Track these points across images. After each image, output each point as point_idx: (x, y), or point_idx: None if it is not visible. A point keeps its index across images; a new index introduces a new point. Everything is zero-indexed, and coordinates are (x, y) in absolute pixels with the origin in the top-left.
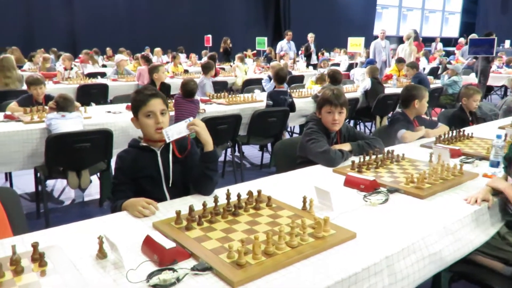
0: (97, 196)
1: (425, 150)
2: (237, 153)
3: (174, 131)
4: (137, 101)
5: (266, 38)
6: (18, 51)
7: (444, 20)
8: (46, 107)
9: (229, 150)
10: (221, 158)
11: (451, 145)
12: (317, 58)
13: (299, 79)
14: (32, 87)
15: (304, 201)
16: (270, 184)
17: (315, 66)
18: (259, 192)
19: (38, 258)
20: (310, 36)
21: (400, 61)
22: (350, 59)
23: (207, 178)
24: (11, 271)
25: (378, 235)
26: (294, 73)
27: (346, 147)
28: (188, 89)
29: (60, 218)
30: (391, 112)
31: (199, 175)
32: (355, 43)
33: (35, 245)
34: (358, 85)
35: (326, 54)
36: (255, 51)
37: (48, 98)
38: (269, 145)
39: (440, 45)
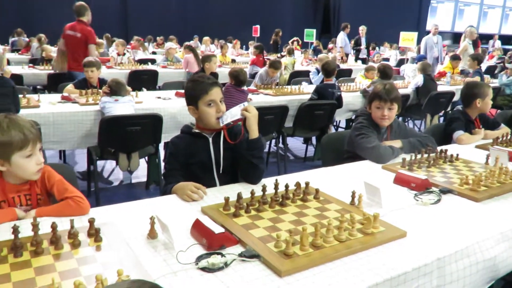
0: (144, 179)
1: (481, 152)
2: (281, 145)
3: (228, 115)
4: (198, 90)
5: (314, 30)
6: None
7: (504, 17)
8: (100, 91)
9: (273, 141)
10: (266, 149)
11: (510, 148)
12: (368, 52)
13: (347, 73)
14: (85, 69)
15: (353, 196)
16: (316, 177)
17: (364, 60)
18: (307, 184)
19: (94, 233)
20: (362, 29)
21: (455, 58)
22: (400, 54)
23: (253, 166)
24: (69, 244)
25: (430, 236)
26: (343, 66)
27: (397, 144)
28: (241, 79)
29: (108, 197)
30: (443, 111)
31: (245, 163)
32: (408, 38)
33: (91, 221)
34: (409, 81)
35: (376, 49)
36: (300, 43)
37: (102, 81)
38: (313, 138)
39: (498, 43)
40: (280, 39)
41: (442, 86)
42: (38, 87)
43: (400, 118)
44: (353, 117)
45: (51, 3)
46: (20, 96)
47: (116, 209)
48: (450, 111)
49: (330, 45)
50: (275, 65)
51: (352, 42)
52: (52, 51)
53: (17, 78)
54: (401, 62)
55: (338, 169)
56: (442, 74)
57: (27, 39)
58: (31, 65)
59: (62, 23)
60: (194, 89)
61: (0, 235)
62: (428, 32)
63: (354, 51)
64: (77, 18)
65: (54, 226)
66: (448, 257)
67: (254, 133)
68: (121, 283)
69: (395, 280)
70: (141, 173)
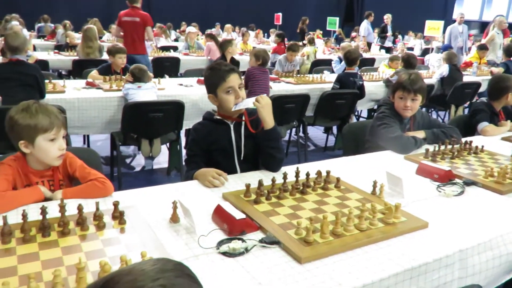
0: (165, 165)
1: (507, 144)
2: (301, 134)
3: (242, 104)
4: (216, 78)
5: (338, 18)
6: (98, 23)
7: None
8: (124, 77)
9: (293, 130)
10: (286, 138)
11: None
12: (393, 41)
13: (370, 62)
14: (117, 56)
15: (374, 186)
16: (337, 166)
17: (388, 50)
18: (328, 172)
19: (118, 216)
20: (387, 17)
21: (482, 48)
22: (425, 43)
23: (269, 156)
24: (94, 225)
25: (452, 227)
26: (366, 55)
27: (420, 134)
28: (266, 58)
29: (130, 182)
30: (468, 102)
31: (263, 153)
32: (433, 27)
33: (116, 204)
34: (433, 71)
35: (399, 37)
36: (321, 31)
37: (125, 68)
38: (334, 128)
39: None
40: (307, 27)
41: (468, 77)
42: (63, 72)
43: (424, 109)
44: (375, 107)
45: None
46: (46, 81)
47: (138, 193)
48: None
49: (353, 34)
50: (293, 48)
51: (377, 30)
52: (76, 37)
53: (43, 64)
54: (425, 52)
55: (359, 158)
56: (468, 64)
57: (52, 26)
58: (56, 51)
59: (86, 10)
60: (212, 77)
61: (29, 215)
62: (455, 21)
63: (380, 38)
64: (131, 5)
65: (80, 208)
66: (471, 249)
67: (266, 123)
68: (147, 261)
69: (415, 270)
70: (162, 159)
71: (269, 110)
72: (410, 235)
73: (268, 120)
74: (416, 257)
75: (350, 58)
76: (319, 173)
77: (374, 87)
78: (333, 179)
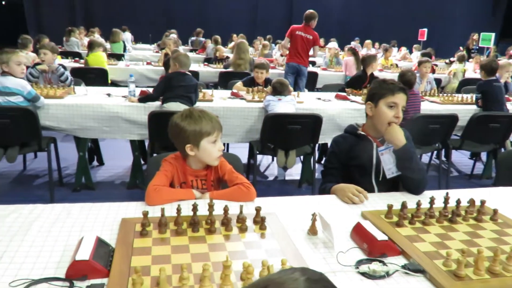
0: (297, 177)
1: None
2: (443, 158)
3: (392, 168)
4: (384, 89)
5: (493, 34)
6: (244, 38)
7: None
8: (266, 89)
9: (434, 152)
10: (425, 160)
11: None
12: None
13: None
14: (256, 70)
15: None
16: (491, 196)
17: None
18: (483, 202)
19: (260, 221)
20: None
21: None
22: None
23: (405, 177)
24: (237, 227)
25: None
26: None
27: None
28: (412, 81)
29: (263, 190)
30: None
31: (402, 175)
32: None
33: (258, 209)
34: None
35: None
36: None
37: (267, 81)
38: (483, 154)
39: None
40: (475, 43)
41: None
42: (210, 84)
43: None
44: None
45: (225, 12)
46: None
47: (277, 201)
48: None
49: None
50: (419, 62)
51: None
52: (224, 51)
53: (194, 75)
54: None
55: None
56: None
57: (203, 40)
58: (205, 63)
59: (232, 26)
60: (381, 88)
61: (183, 211)
62: None
63: None
64: (306, 23)
65: (226, 209)
66: None
67: (395, 145)
68: (293, 270)
69: None
70: (294, 172)
71: (393, 133)
72: None
73: (394, 141)
74: None
75: (494, 67)
76: (472, 202)
77: None
78: (489, 210)
